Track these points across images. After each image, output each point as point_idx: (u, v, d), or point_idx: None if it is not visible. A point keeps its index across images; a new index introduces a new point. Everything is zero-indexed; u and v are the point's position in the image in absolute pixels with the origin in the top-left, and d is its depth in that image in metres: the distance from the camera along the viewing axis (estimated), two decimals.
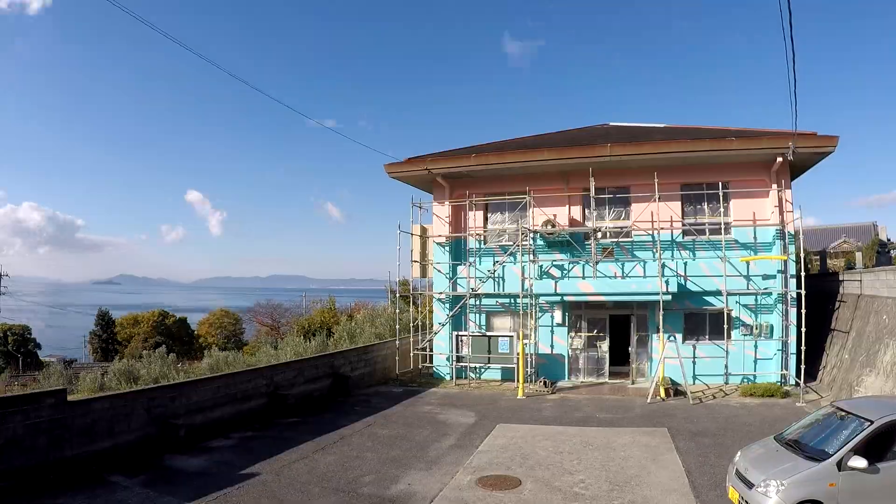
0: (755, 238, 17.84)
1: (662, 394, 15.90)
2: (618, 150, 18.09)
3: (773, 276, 17.53)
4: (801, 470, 7.00)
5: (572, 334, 18.97)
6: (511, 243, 19.05)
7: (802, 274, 16.00)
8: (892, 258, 19.61)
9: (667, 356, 16.59)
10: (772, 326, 17.46)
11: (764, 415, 13.63)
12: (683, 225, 18.30)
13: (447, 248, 20.42)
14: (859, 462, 6.77)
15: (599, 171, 18.52)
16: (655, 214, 17.42)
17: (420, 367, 21.12)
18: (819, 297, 18.25)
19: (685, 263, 18.04)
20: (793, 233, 17.45)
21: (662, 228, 17.35)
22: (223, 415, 12.94)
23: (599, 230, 18.61)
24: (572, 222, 19.22)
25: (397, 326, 21.49)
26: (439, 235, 20.51)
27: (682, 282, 17.53)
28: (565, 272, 19.01)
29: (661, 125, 21.96)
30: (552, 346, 18.94)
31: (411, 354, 21.47)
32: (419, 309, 26.24)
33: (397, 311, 22.90)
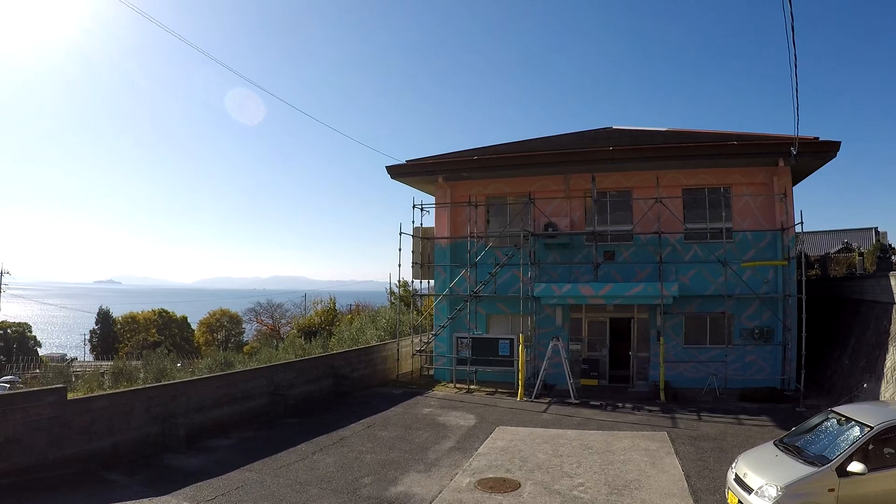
0: (756, 243, 17.84)
1: (662, 397, 15.90)
2: (620, 151, 18.13)
3: (774, 281, 17.53)
4: (801, 475, 7.00)
5: (573, 337, 18.98)
6: (512, 246, 19.05)
7: (803, 279, 15.99)
8: (893, 263, 19.55)
9: (667, 360, 16.62)
10: (772, 331, 17.46)
11: (763, 420, 13.62)
12: (685, 229, 18.31)
13: (448, 250, 20.43)
14: (859, 467, 6.77)
15: (601, 175, 18.55)
16: (657, 218, 17.42)
17: (420, 368, 21.13)
18: (820, 302, 18.25)
19: (686, 267, 18.04)
20: (794, 237, 17.45)
21: (663, 232, 17.35)
22: (223, 414, 12.95)
23: (601, 233, 18.60)
24: (573, 225, 19.22)
25: (398, 328, 21.50)
26: (440, 237, 20.52)
27: (683, 286, 17.52)
28: (566, 275, 19.01)
29: (664, 129, 21.99)
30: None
31: (411, 356, 21.48)
32: (420, 311, 26.26)
33: (398, 312, 22.90)
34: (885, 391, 12.34)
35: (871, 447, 7.00)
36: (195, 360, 35.34)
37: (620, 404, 15.53)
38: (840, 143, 16.45)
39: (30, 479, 9.06)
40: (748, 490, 7.29)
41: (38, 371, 33.12)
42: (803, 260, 17.12)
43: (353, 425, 13.41)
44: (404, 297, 28.35)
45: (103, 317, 64.00)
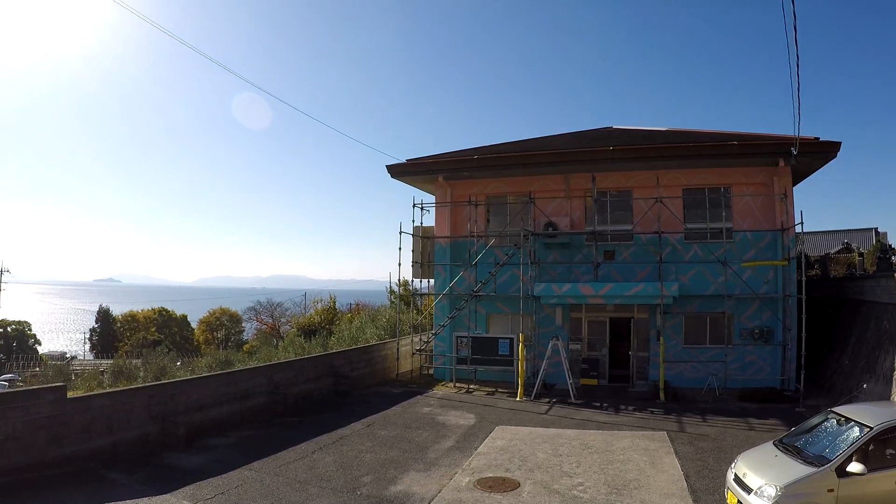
0: (756, 243, 17.84)
1: (662, 397, 15.90)
2: (620, 151, 18.12)
3: (774, 281, 17.53)
4: (800, 475, 7.00)
5: (572, 337, 18.98)
6: (512, 245, 19.05)
7: (803, 279, 15.99)
8: (894, 264, 19.56)
9: (666, 360, 16.61)
10: (772, 331, 17.46)
11: (763, 420, 13.62)
12: (685, 229, 18.31)
13: (448, 249, 20.43)
14: (858, 468, 6.77)
15: (601, 175, 18.54)
16: (657, 218, 17.42)
17: (420, 367, 21.14)
18: (820, 303, 18.24)
19: (686, 267, 18.03)
20: (794, 238, 17.44)
21: (664, 232, 17.34)
22: (223, 413, 12.95)
23: (601, 233, 18.60)
24: (574, 225, 19.22)
25: (398, 327, 21.50)
26: (440, 236, 20.51)
27: (683, 286, 17.52)
28: (566, 275, 19.01)
29: (664, 129, 21.99)
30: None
31: (411, 355, 21.48)
32: (420, 310, 26.27)
33: (398, 311, 22.91)
34: (885, 391, 12.33)
35: (870, 447, 7.00)
36: (195, 358, 35.34)
37: (620, 404, 15.53)
38: (840, 143, 16.46)
39: (29, 478, 9.07)
40: (747, 490, 7.29)
41: (37, 369, 33.14)
42: (803, 260, 17.12)
43: (352, 424, 13.41)
44: (404, 297, 28.35)
45: (103, 315, 63.93)
